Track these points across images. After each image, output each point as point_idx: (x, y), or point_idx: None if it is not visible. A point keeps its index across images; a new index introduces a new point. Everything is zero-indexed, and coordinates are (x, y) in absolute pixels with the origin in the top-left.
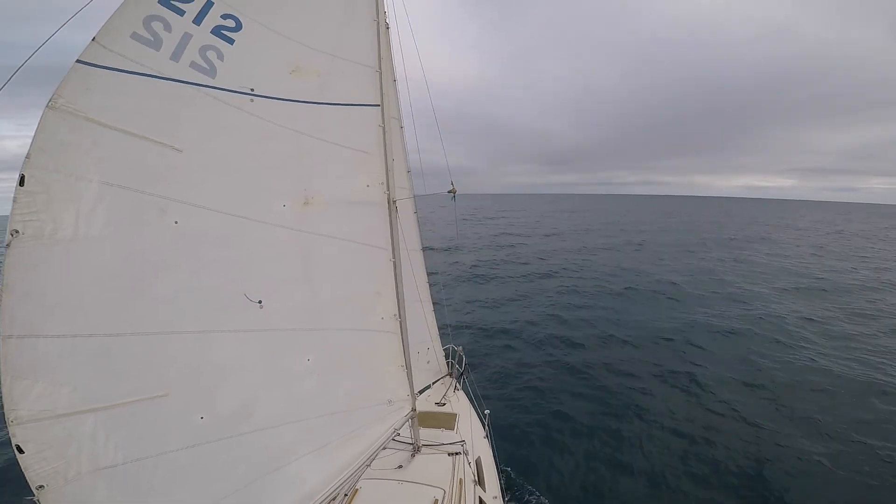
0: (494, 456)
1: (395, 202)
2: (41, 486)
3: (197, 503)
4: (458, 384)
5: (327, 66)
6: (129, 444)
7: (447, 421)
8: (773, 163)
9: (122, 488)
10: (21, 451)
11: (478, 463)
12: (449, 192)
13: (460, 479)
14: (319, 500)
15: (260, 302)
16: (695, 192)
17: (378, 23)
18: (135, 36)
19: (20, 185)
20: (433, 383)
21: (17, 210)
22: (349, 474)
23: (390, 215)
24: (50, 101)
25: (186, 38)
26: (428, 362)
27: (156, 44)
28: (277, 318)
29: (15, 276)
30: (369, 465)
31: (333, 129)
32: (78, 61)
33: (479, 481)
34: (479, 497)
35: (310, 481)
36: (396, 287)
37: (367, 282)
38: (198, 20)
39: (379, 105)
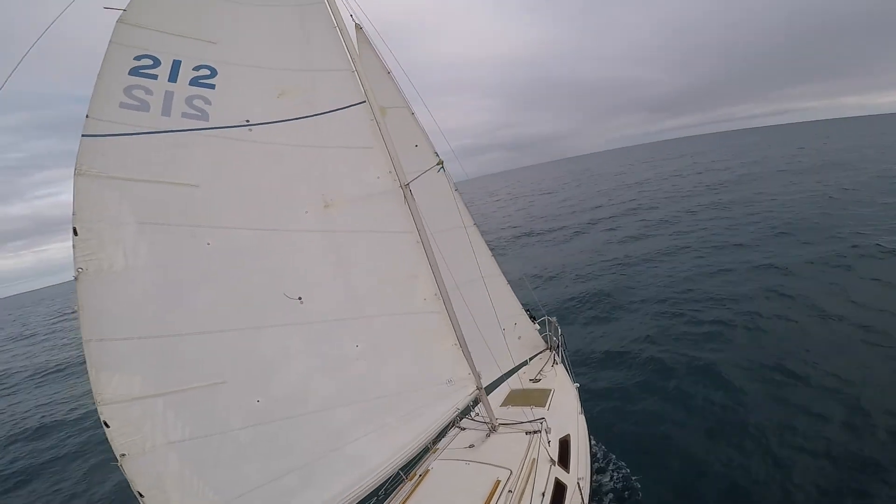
0: (588, 434)
1: (407, 186)
2: (123, 455)
3: (260, 477)
4: (556, 358)
5: (308, 81)
6: (195, 423)
7: (539, 398)
8: None
9: (191, 460)
10: (107, 426)
11: (564, 442)
12: (437, 164)
13: (533, 458)
14: (380, 478)
15: (300, 298)
16: (843, 114)
17: (339, 28)
18: (123, 105)
19: (74, 234)
20: (530, 359)
21: (78, 254)
22: (410, 453)
23: (406, 199)
24: (75, 169)
25: (169, 95)
26: (519, 338)
27: (143, 107)
28: (319, 310)
29: (85, 300)
30: (435, 445)
31: (333, 135)
32: (83, 136)
33: (562, 461)
34: (557, 478)
35: (370, 460)
36: (431, 267)
37: (401, 267)
38: (172, 78)
39: (364, 101)
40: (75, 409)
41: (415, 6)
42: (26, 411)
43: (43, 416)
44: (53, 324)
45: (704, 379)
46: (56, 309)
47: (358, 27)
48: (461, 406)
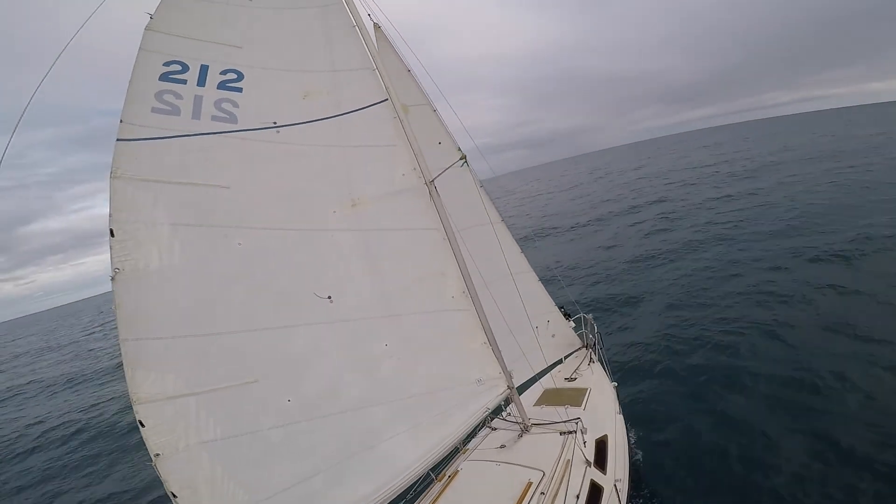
0: (626, 435)
1: (432, 182)
2: (157, 455)
3: (291, 477)
4: (592, 357)
5: (331, 82)
6: (227, 423)
7: (574, 397)
8: None
9: (223, 460)
10: (143, 426)
11: (601, 442)
12: (461, 158)
13: (567, 460)
14: (410, 479)
15: (329, 297)
16: (872, 100)
17: (357, 27)
18: (155, 110)
19: (112, 236)
20: (565, 357)
21: (115, 254)
22: (439, 454)
23: (431, 196)
24: (111, 172)
25: (199, 99)
26: (553, 336)
27: (174, 111)
28: (349, 309)
29: (123, 299)
30: (465, 445)
31: (357, 134)
32: (118, 140)
33: (599, 462)
34: (593, 480)
35: (402, 459)
36: (458, 263)
37: (428, 264)
38: (201, 83)
39: (387, 99)
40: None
41: (426, 5)
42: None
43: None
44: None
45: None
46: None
47: (377, 26)
48: (491, 406)
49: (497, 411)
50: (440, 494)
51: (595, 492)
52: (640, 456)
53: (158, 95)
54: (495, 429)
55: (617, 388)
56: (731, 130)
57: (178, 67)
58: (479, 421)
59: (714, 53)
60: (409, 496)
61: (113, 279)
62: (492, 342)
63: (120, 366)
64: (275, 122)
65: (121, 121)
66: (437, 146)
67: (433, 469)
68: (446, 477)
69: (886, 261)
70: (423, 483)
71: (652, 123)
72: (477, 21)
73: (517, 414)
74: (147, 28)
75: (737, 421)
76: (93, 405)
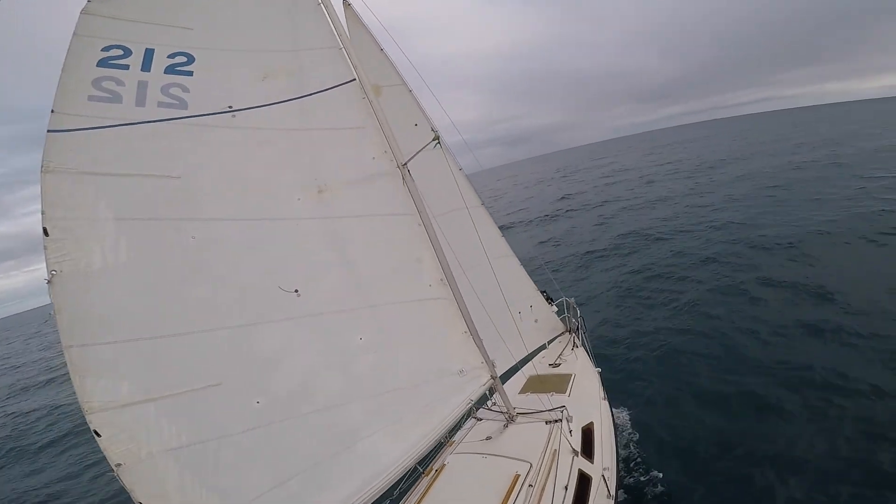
0: (612, 421)
1: (405, 166)
2: (119, 465)
3: (269, 481)
4: (576, 342)
5: (294, 62)
6: (192, 428)
7: (559, 384)
8: None
9: (191, 467)
10: (99, 435)
11: (587, 430)
12: (434, 139)
13: (554, 449)
14: (395, 475)
15: (296, 291)
16: (827, 100)
17: (323, 5)
18: (93, 98)
19: (45, 235)
20: (549, 343)
21: (50, 255)
22: (423, 448)
23: (404, 180)
24: (42, 166)
25: (143, 85)
26: (536, 321)
27: (115, 98)
28: (318, 303)
29: (62, 303)
30: (451, 438)
31: (323, 117)
32: (49, 131)
33: (586, 451)
34: (580, 470)
35: (385, 456)
36: (435, 250)
37: (403, 252)
38: (146, 67)
39: (354, 79)
40: None
41: (407, 4)
42: None
43: None
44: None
45: None
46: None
47: (346, 3)
48: (475, 397)
49: (483, 400)
50: (428, 489)
51: (584, 482)
52: (627, 440)
53: (96, 82)
54: (481, 419)
55: (601, 374)
56: (694, 129)
57: (120, 52)
58: (462, 413)
59: (688, 54)
60: (396, 492)
61: (49, 282)
62: (472, 331)
63: (51, 381)
64: (230, 107)
65: (52, 111)
66: (412, 128)
67: (420, 463)
68: (433, 471)
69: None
70: (410, 478)
71: (626, 121)
72: (453, 16)
73: (502, 403)
74: (83, 11)
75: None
76: None
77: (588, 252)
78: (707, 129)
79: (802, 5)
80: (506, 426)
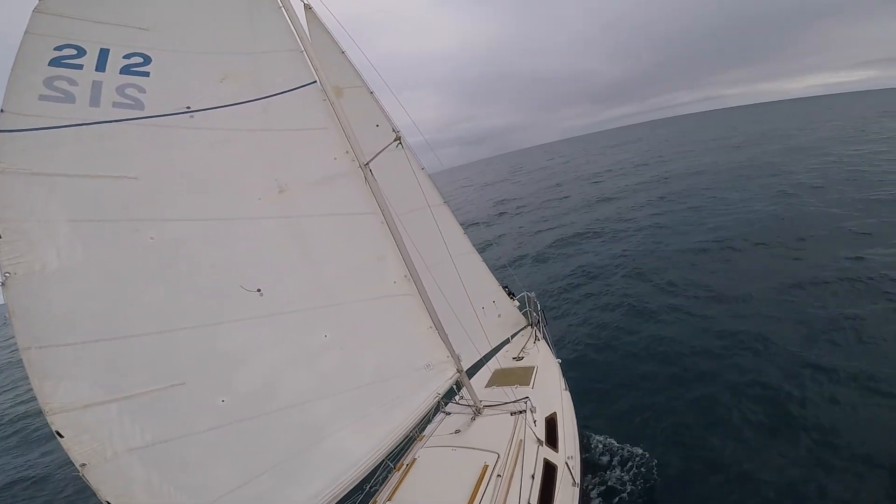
0: (573, 410)
1: (367, 166)
2: (84, 464)
3: (237, 478)
4: (538, 335)
5: (253, 64)
6: (157, 427)
7: (522, 376)
8: (842, 58)
9: (157, 465)
10: (61, 436)
11: (551, 420)
12: (395, 139)
13: (520, 440)
14: (364, 470)
15: (259, 290)
16: (761, 100)
17: (284, 8)
18: (44, 97)
19: None
20: (512, 337)
21: (3, 257)
22: (392, 443)
23: (367, 179)
24: None
25: (97, 85)
26: (499, 316)
27: (68, 98)
28: (281, 301)
29: (17, 305)
30: (421, 433)
31: (283, 118)
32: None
33: (550, 440)
34: (546, 459)
35: (355, 451)
36: (398, 247)
37: (367, 249)
38: (100, 67)
39: (315, 81)
40: None
41: (364, 2)
42: None
43: None
44: None
45: None
46: None
47: (307, 7)
48: (442, 391)
49: (451, 395)
50: (399, 483)
51: (549, 470)
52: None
53: (48, 82)
54: (449, 413)
55: (561, 364)
56: (636, 130)
57: (73, 52)
58: (430, 407)
59: (632, 56)
60: (368, 487)
61: (3, 285)
62: (437, 326)
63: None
64: (188, 107)
65: (2, 110)
66: (374, 129)
67: (392, 459)
68: (404, 466)
69: None
70: (382, 473)
71: (578, 122)
72: (413, 16)
73: (469, 397)
74: (36, 9)
75: None
76: None
77: None
78: (647, 130)
79: (738, 9)
80: (473, 419)
